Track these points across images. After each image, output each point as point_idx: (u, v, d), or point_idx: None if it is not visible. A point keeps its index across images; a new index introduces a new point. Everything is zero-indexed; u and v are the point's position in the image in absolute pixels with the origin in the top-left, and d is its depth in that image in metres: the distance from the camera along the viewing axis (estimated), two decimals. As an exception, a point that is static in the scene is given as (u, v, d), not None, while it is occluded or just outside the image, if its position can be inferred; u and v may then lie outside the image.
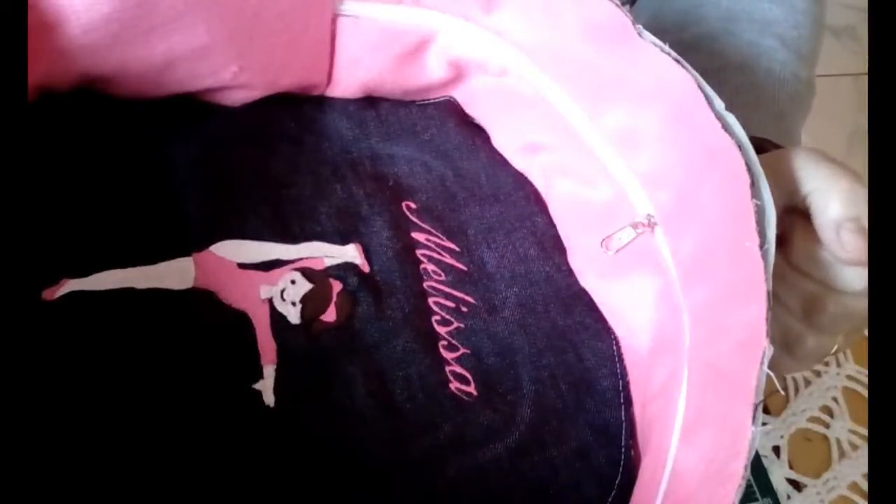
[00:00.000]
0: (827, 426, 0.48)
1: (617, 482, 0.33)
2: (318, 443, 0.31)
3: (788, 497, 0.44)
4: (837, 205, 0.30)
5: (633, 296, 0.35)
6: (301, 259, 0.35)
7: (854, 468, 0.46)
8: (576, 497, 0.33)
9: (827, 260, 0.32)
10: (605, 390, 0.35)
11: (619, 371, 0.36)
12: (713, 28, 0.49)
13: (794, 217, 0.32)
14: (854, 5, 1.42)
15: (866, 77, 1.18)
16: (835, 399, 0.49)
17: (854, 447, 0.47)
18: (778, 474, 0.45)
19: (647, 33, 0.31)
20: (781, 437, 0.47)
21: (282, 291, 0.34)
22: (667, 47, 0.31)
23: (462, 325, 0.35)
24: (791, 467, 0.46)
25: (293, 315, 0.33)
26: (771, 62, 0.47)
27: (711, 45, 0.48)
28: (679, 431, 0.29)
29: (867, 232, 0.30)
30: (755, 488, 0.44)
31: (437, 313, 0.35)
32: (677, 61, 0.30)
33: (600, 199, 0.36)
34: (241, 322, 0.33)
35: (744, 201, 0.28)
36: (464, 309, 0.36)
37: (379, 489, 0.31)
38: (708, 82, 0.30)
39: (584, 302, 0.37)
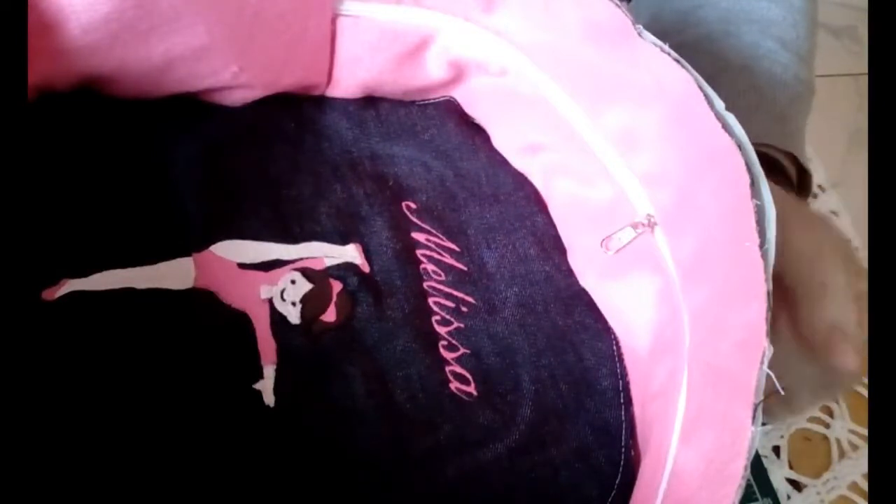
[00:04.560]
0: (827, 426, 0.47)
1: (617, 482, 0.33)
2: (318, 443, 0.31)
3: (788, 497, 0.44)
4: (830, 307, 0.30)
5: (632, 296, 0.35)
6: (301, 259, 0.35)
7: (854, 468, 0.46)
8: (576, 497, 0.33)
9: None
10: (605, 390, 0.35)
11: (619, 371, 0.36)
12: (713, 30, 0.48)
13: (779, 305, 0.31)
14: (854, 5, 1.42)
15: (866, 77, 1.18)
16: (835, 399, 0.49)
17: (854, 447, 0.47)
18: (778, 474, 0.45)
19: (647, 33, 0.31)
20: (781, 437, 0.47)
21: (282, 291, 0.34)
22: (667, 47, 0.31)
23: (462, 325, 0.35)
24: (791, 467, 0.46)
25: (293, 315, 0.33)
26: (772, 64, 0.46)
27: (711, 47, 0.48)
28: (679, 431, 0.29)
29: (857, 342, 0.29)
30: (755, 488, 0.44)
31: (437, 313, 0.35)
32: (677, 61, 0.30)
33: (600, 199, 0.36)
34: (241, 322, 0.33)
35: (744, 201, 0.28)
36: (464, 309, 0.36)
37: (379, 489, 0.31)
38: (709, 84, 0.30)
39: (584, 302, 0.37)
